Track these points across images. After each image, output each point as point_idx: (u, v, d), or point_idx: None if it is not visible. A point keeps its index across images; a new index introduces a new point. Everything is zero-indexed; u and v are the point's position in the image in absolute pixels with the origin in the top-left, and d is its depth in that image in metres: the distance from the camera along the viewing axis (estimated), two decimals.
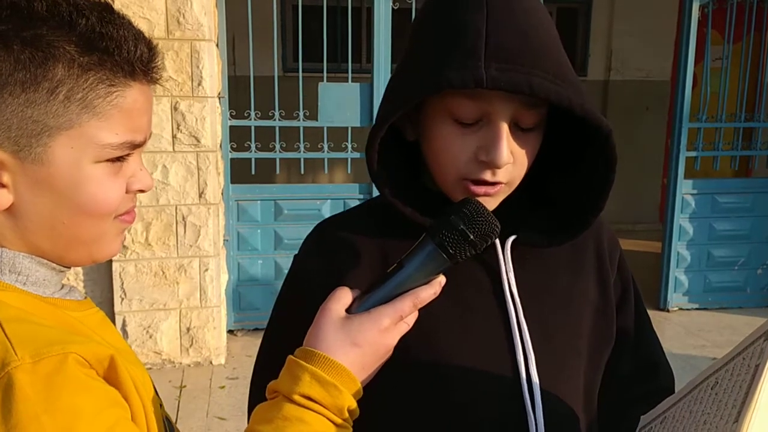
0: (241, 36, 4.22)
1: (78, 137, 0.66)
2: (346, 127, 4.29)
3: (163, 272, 3.77)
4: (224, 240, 4.12)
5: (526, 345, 0.84)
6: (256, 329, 4.38)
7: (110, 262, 3.70)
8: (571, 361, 0.88)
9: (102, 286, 3.80)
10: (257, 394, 0.92)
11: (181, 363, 3.87)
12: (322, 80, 4.19)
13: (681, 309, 4.99)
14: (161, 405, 0.79)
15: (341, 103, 4.20)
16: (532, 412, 0.82)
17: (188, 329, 3.85)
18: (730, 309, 5.00)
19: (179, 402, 3.49)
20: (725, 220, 4.94)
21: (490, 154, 0.79)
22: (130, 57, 0.67)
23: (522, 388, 0.83)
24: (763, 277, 5.04)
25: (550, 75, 0.76)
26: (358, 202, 4.35)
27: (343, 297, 0.77)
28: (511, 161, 0.80)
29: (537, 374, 0.83)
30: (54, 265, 0.72)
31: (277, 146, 4.23)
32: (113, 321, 3.77)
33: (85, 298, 0.77)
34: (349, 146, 4.32)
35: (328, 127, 4.26)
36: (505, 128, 0.79)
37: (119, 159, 0.70)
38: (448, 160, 0.82)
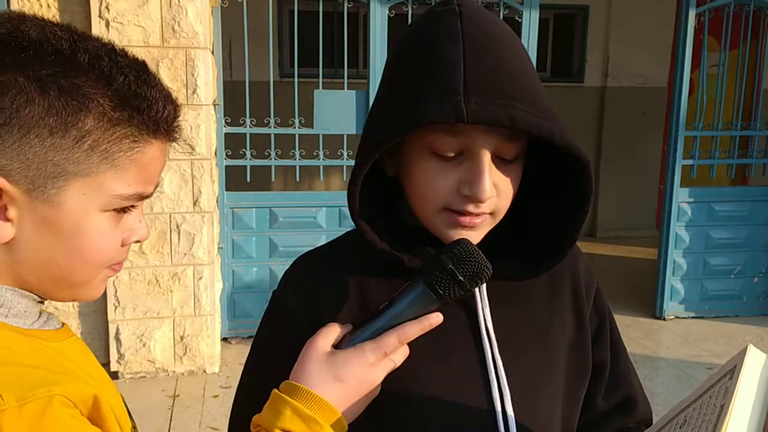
0: (238, 41, 4.21)
1: (92, 185, 0.68)
2: (342, 135, 4.28)
3: (157, 280, 3.75)
4: (219, 247, 4.10)
5: (501, 382, 0.84)
6: (251, 337, 4.34)
7: None
8: (547, 397, 0.88)
9: None
10: (236, 429, 0.92)
11: (174, 371, 3.85)
12: (318, 87, 4.18)
13: (677, 317, 4.98)
14: (135, 428, 0.81)
15: (337, 111, 4.19)
16: None
17: (182, 337, 3.83)
18: (727, 318, 4.99)
19: (172, 411, 3.47)
20: (722, 229, 4.93)
21: (472, 188, 0.78)
22: (158, 117, 0.70)
23: (498, 426, 0.82)
24: (760, 286, 5.03)
25: (529, 107, 0.76)
26: None
27: (331, 333, 0.78)
28: (495, 194, 0.80)
29: (513, 411, 0.83)
30: (34, 296, 0.73)
31: (273, 153, 4.22)
32: (106, 329, 3.76)
33: (63, 325, 0.78)
34: (345, 153, 4.32)
35: (323, 135, 4.26)
36: (486, 162, 0.78)
37: (124, 210, 0.71)
38: (429, 193, 0.81)
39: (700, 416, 0.67)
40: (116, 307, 3.73)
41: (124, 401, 0.81)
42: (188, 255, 3.77)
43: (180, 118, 0.75)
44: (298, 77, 4.16)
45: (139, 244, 3.66)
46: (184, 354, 3.85)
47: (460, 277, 0.75)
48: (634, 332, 4.69)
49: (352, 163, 4.32)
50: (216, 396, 3.64)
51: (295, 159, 4.27)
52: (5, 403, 0.60)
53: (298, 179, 4.34)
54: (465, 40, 0.77)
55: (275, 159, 4.24)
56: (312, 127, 4.20)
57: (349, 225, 4.38)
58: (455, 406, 0.83)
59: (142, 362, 3.80)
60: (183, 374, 3.85)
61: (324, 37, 4.20)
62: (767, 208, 4.97)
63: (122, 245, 0.74)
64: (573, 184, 0.84)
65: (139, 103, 0.68)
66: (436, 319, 0.77)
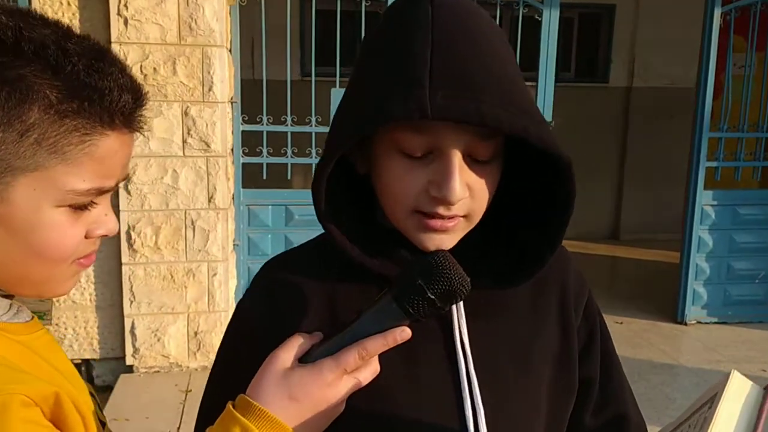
0: (260, 40, 4.22)
1: (42, 180, 0.65)
2: None
3: (172, 276, 3.78)
4: (234, 244, 4.13)
5: (475, 399, 0.78)
6: None
7: (120, 264, 3.74)
8: (527, 416, 0.82)
9: (112, 288, 3.83)
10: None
11: (188, 367, 3.88)
12: (335, 85, 4.18)
13: (699, 322, 4.87)
14: (104, 424, 0.79)
15: None
16: None
17: (196, 333, 3.86)
18: (750, 323, 4.87)
19: (184, 406, 3.50)
20: (746, 232, 4.82)
21: (441, 189, 0.72)
22: (111, 107, 0.66)
23: None
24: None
25: (501, 102, 0.70)
26: None
27: (294, 345, 0.72)
28: (466, 196, 0.74)
29: (486, 430, 0.77)
30: (1, 290, 0.71)
31: (289, 151, 4.23)
32: (122, 324, 3.81)
33: (32, 318, 0.76)
34: None
35: None
36: (456, 162, 0.72)
37: (85, 206, 0.68)
38: (398, 194, 0.76)
39: None
40: (132, 302, 3.77)
41: (95, 397, 0.80)
42: (203, 251, 3.80)
43: (144, 106, 0.71)
44: (316, 76, 4.17)
45: (154, 239, 3.69)
46: (198, 350, 3.88)
47: (430, 295, 0.69)
48: (654, 337, 4.60)
49: None
50: None
51: (311, 157, 4.27)
52: None
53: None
54: (435, 30, 0.71)
55: (292, 157, 4.25)
56: (329, 126, 4.19)
57: None
58: (426, 426, 0.78)
59: (157, 357, 3.84)
60: (196, 369, 3.88)
61: (342, 35, 4.20)
62: None
63: (87, 238, 0.71)
64: (555, 187, 0.78)
65: (89, 94, 0.64)
66: (402, 335, 0.70)
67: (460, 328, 0.80)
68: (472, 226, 0.79)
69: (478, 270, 0.78)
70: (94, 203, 0.69)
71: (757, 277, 4.86)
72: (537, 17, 4.33)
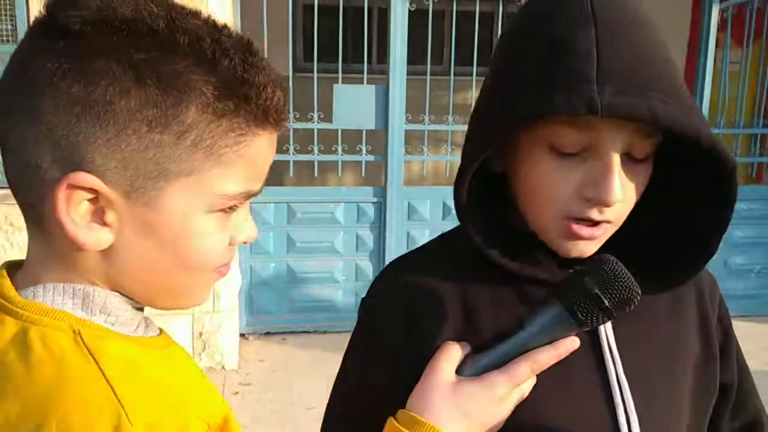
0: (257, 35, 4.15)
1: (196, 185, 0.60)
2: (361, 130, 4.23)
3: None
4: None
5: (627, 405, 0.76)
6: (268, 333, 4.33)
7: None
8: (675, 422, 0.80)
9: None
10: None
11: None
12: (337, 81, 4.13)
13: None
14: None
15: (356, 106, 4.15)
16: None
17: (201, 334, 3.79)
18: (747, 317, 4.93)
19: None
20: (742, 227, 4.87)
21: (599, 191, 0.69)
22: (267, 105, 0.61)
23: None
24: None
25: (672, 100, 0.67)
26: (372, 206, 4.33)
27: (454, 355, 0.69)
28: (623, 198, 0.71)
29: None
30: (135, 302, 0.66)
31: (291, 148, 4.17)
32: None
33: (161, 331, 0.71)
34: (364, 149, 4.27)
35: (342, 130, 4.21)
36: (617, 161, 0.69)
37: (230, 209, 0.64)
38: (546, 196, 0.73)
39: None
40: None
41: None
42: None
43: (288, 105, 0.66)
44: (317, 72, 4.12)
45: None
46: (203, 350, 3.81)
47: (606, 304, 0.66)
48: None
49: (371, 158, 4.31)
50: (236, 393, 3.60)
51: (313, 154, 4.23)
52: (133, 428, 0.53)
53: (316, 174, 4.30)
54: (598, 21, 0.68)
55: (293, 154, 4.19)
56: (331, 122, 4.16)
57: (367, 222, 4.35)
58: (579, 430, 0.76)
59: None
60: (202, 370, 3.81)
61: (344, 31, 4.15)
62: None
63: (230, 245, 0.66)
64: (702, 189, 0.75)
65: (247, 91, 0.59)
66: (573, 344, 0.68)
67: (606, 334, 0.78)
68: (614, 231, 0.76)
69: None
70: (239, 206, 0.65)
71: (753, 272, 4.92)
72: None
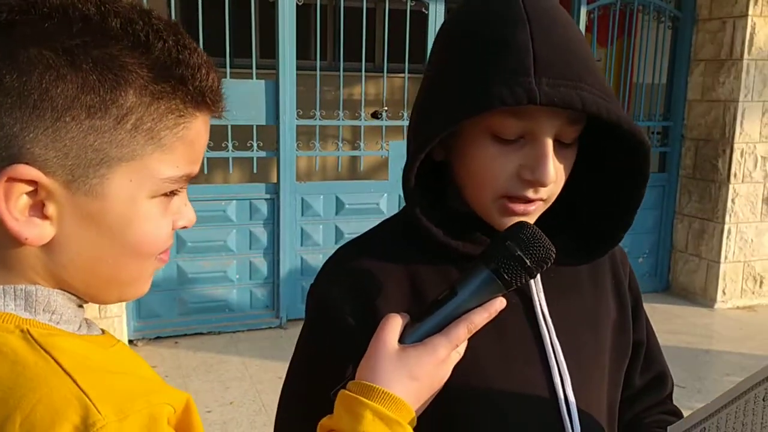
0: None
1: (139, 170, 0.60)
2: (252, 125, 4.17)
3: None
4: None
5: (561, 367, 0.84)
6: (159, 337, 4.17)
7: None
8: (598, 380, 0.89)
9: None
10: (291, 427, 0.88)
11: None
12: (224, 76, 4.03)
13: None
14: None
15: (246, 101, 4.07)
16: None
17: None
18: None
19: None
20: None
21: (536, 172, 0.77)
22: (203, 86, 0.62)
23: (561, 411, 0.83)
24: (644, 265, 5.44)
25: (596, 89, 0.75)
26: (265, 202, 4.29)
27: (396, 325, 0.74)
28: (555, 179, 0.79)
29: (573, 395, 0.84)
30: (77, 299, 0.65)
31: None
32: None
33: (104, 332, 0.69)
34: (255, 145, 4.20)
35: (232, 126, 4.12)
36: (550, 145, 0.77)
37: (172, 193, 0.64)
38: (487, 178, 0.80)
39: (737, 420, 0.69)
40: None
41: None
42: None
43: (222, 87, 0.67)
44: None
45: None
46: None
47: (528, 263, 0.74)
48: None
49: (263, 154, 4.24)
50: None
51: (227, 150, 4.11)
52: (104, 418, 0.53)
53: (206, 171, 4.18)
54: (531, 21, 0.76)
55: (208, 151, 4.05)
56: (220, 118, 4.04)
57: (260, 219, 4.29)
58: (519, 393, 0.83)
59: None
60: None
61: (228, 25, 4.05)
62: (649, 193, 5.36)
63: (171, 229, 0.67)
64: (618, 170, 0.85)
65: (183, 72, 0.60)
66: (501, 304, 0.75)
67: (539, 300, 0.86)
68: (546, 208, 0.84)
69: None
70: (181, 190, 0.65)
71: (641, 256, 5.35)
72: (424, 10, 4.44)
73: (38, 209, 0.57)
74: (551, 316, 0.86)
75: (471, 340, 0.76)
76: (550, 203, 0.84)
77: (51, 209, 0.58)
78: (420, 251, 0.85)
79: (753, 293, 5.21)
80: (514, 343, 0.85)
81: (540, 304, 0.86)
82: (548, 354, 0.84)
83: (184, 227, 0.68)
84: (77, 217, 0.59)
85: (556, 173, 0.79)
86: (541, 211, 0.84)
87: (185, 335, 4.22)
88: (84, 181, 0.58)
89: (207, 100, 0.63)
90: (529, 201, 0.80)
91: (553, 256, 0.76)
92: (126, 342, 3.83)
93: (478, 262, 0.76)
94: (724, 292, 5.12)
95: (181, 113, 0.61)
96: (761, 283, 5.22)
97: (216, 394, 3.54)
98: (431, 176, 0.86)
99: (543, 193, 0.80)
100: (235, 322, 4.27)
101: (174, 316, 4.23)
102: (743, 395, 0.76)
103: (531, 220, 0.83)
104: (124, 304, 3.79)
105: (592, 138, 0.85)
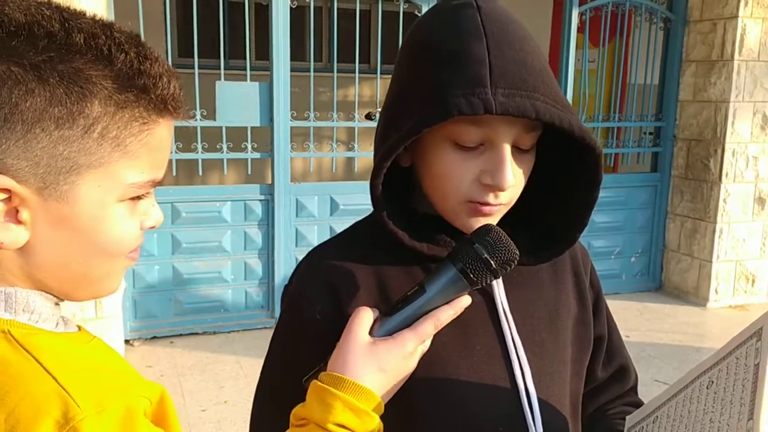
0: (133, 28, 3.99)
1: (106, 176, 0.64)
2: (246, 127, 4.20)
3: None
4: None
5: (521, 360, 0.88)
6: (155, 337, 4.20)
7: None
8: (559, 373, 0.93)
9: None
10: (268, 423, 0.91)
11: None
12: (218, 78, 4.07)
13: None
14: None
15: (240, 103, 4.10)
16: (533, 426, 0.87)
17: None
18: (608, 295, 5.35)
19: None
20: (602, 213, 5.31)
21: (495, 177, 0.81)
22: (164, 94, 0.66)
23: (522, 403, 0.87)
24: (636, 264, 5.48)
25: (550, 99, 0.80)
26: (259, 203, 4.32)
27: (366, 319, 0.78)
28: (514, 183, 0.83)
29: (534, 388, 0.88)
30: (54, 298, 0.69)
31: (174, 146, 4.06)
32: None
33: (80, 328, 0.74)
34: (249, 146, 4.23)
35: (226, 127, 4.15)
36: (508, 152, 0.81)
37: (138, 197, 0.68)
38: (450, 184, 0.84)
39: (730, 376, 0.73)
40: None
41: None
42: None
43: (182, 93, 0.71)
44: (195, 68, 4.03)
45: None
46: None
47: (494, 265, 0.78)
48: None
49: (257, 156, 4.27)
50: None
51: (197, 152, 4.14)
52: (83, 411, 0.57)
53: (201, 173, 4.21)
54: (488, 35, 0.80)
55: (176, 152, 4.08)
56: (214, 119, 4.09)
57: (255, 220, 4.32)
58: (481, 387, 0.87)
59: None
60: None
61: (222, 26, 4.08)
62: (641, 193, 5.42)
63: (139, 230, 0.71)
64: (575, 174, 0.89)
65: (145, 82, 0.64)
66: (466, 301, 0.80)
67: (501, 298, 0.90)
68: (506, 211, 0.88)
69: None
70: (146, 195, 0.69)
71: (612, 254, 5.39)
72: (416, 12, 4.47)
73: (12, 215, 0.61)
74: (512, 313, 0.90)
75: (435, 335, 0.81)
76: (511, 206, 0.88)
77: (25, 215, 0.61)
78: (388, 253, 0.90)
79: (745, 292, 5.25)
80: (477, 338, 0.88)
81: (501, 301, 0.90)
82: (509, 348, 0.88)
83: (152, 227, 0.72)
84: (50, 221, 0.62)
85: (515, 177, 0.83)
86: (502, 214, 0.88)
87: (181, 335, 4.25)
88: (55, 188, 0.61)
89: (169, 107, 0.67)
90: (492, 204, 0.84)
91: (517, 258, 0.80)
92: (122, 342, 3.86)
93: (446, 262, 0.80)
94: (716, 291, 5.16)
95: (145, 120, 0.65)
96: (753, 282, 5.26)
97: (211, 393, 3.57)
98: (398, 181, 0.90)
99: (503, 198, 0.84)
100: (231, 322, 4.31)
101: (170, 316, 4.26)
102: (689, 384, 0.80)
103: (495, 220, 0.87)
104: (120, 304, 3.82)
105: (554, 145, 0.89)
